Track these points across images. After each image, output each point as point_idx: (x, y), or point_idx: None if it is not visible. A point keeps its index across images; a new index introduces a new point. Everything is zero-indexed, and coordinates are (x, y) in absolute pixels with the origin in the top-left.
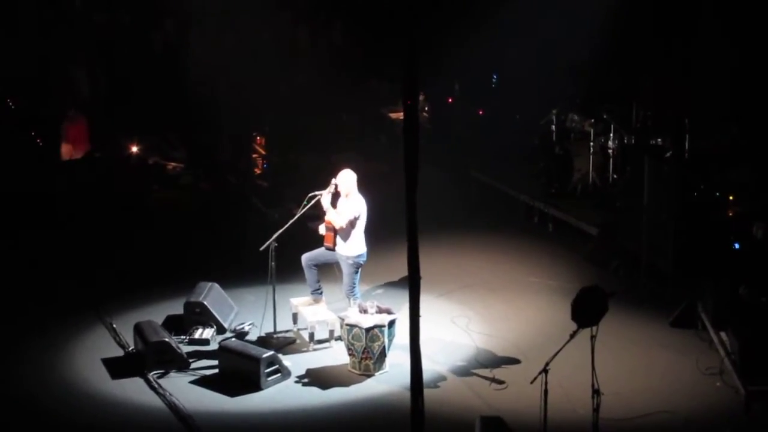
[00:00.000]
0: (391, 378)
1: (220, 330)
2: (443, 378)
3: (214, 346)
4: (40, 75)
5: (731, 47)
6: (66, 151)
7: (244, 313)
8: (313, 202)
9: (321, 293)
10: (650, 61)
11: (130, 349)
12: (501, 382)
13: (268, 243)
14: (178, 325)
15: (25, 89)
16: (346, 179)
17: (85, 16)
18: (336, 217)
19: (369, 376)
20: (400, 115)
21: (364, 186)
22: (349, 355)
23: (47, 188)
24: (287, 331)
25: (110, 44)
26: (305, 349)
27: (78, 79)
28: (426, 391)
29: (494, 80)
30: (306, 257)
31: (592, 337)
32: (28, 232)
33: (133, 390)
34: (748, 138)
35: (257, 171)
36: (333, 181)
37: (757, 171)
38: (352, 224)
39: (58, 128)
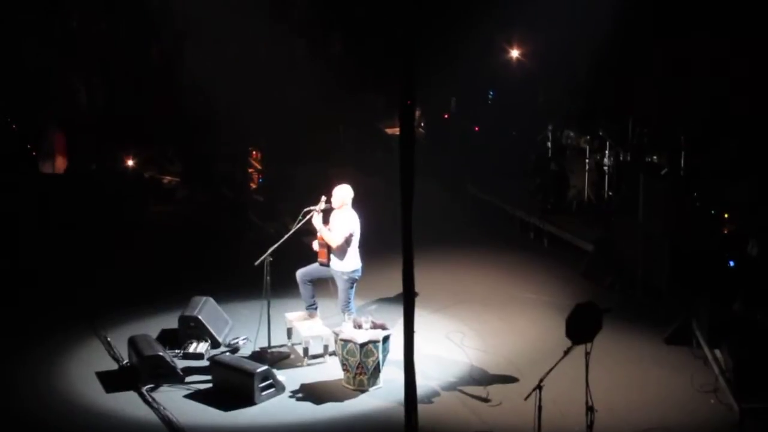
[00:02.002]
0: (385, 393)
1: (215, 344)
2: (437, 394)
3: (208, 360)
4: (35, 87)
5: (729, 64)
6: (48, 165)
7: (238, 328)
8: (308, 217)
9: (316, 308)
10: (647, 78)
11: (125, 362)
12: (494, 399)
13: (263, 257)
14: (172, 339)
15: (20, 101)
16: (341, 193)
17: (82, 29)
18: (329, 235)
19: (363, 391)
20: (397, 130)
21: (360, 201)
22: (344, 370)
23: (39, 200)
24: (282, 346)
25: (107, 57)
26: (299, 364)
27: (75, 92)
28: (420, 407)
29: (490, 96)
30: (300, 273)
31: (587, 354)
32: (22, 244)
33: (127, 403)
34: (743, 156)
35: (253, 185)
36: (323, 198)
37: (752, 188)
38: (346, 241)
39: (39, 143)
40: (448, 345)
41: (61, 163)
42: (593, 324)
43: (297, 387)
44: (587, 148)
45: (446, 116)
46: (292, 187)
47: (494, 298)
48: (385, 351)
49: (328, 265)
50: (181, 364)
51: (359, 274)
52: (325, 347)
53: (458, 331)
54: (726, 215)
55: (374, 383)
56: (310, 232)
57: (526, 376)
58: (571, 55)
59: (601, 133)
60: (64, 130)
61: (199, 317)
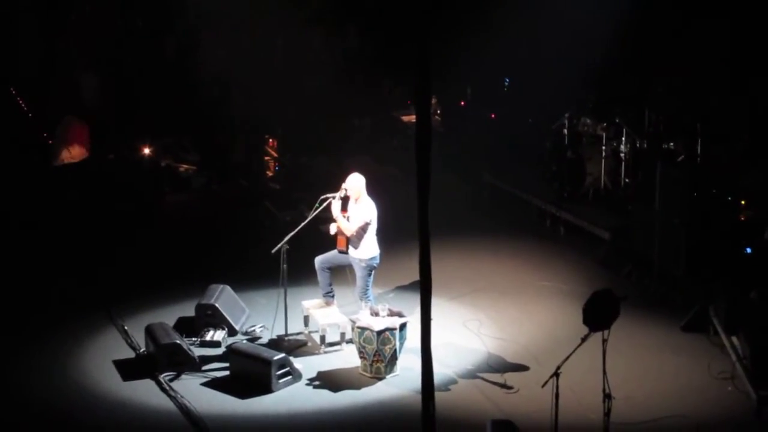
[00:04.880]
0: (402, 381)
1: (232, 332)
2: (454, 381)
3: (225, 348)
4: (47, 77)
5: (745, 50)
6: (68, 155)
7: (255, 316)
8: (324, 205)
9: (333, 296)
10: (663, 65)
11: (142, 351)
12: (512, 387)
13: (279, 245)
14: (189, 327)
15: (33, 91)
16: (355, 183)
17: (97, 19)
18: (346, 224)
19: (380, 379)
20: (413, 119)
21: (376, 189)
22: (360, 357)
23: (54, 189)
24: (298, 334)
25: (123, 47)
26: (316, 351)
27: (89, 82)
28: (437, 395)
29: (506, 84)
30: (319, 260)
31: (604, 341)
32: (39, 233)
33: (145, 392)
34: (760, 143)
35: (269, 174)
36: (344, 186)
37: None
38: (363, 229)
39: (51, 131)
40: (465, 333)
41: (77, 152)
42: (610, 311)
43: (314, 375)
44: (603, 135)
45: (462, 104)
46: (308, 176)
47: (511, 286)
48: (402, 339)
49: (346, 253)
50: (198, 352)
51: (377, 261)
52: (342, 335)
53: (475, 319)
54: (743, 202)
55: (391, 371)
56: (327, 219)
57: (543, 363)
58: (588, 41)
59: (617, 120)
60: (85, 119)
61: (216, 305)
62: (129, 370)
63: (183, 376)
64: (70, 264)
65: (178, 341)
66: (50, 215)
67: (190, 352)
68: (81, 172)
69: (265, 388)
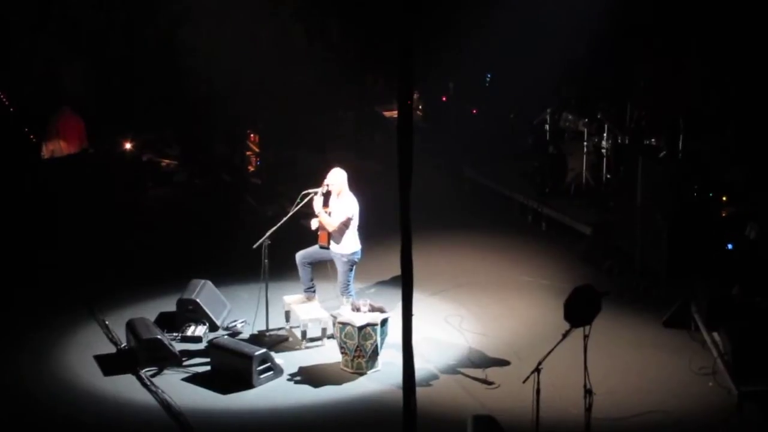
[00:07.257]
0: (383, 376)
1: (213, 327)
2: (436, 377)
3: (206, 343)
4: (30, 71)
5: (727, 48)
6: (58, 147)
7: (236, 311)
8: (306, 200)
9: (314, 291)
10: (645, 61)
11: (123, 346)
12: (493, 382)
13: (261, 240)
14: (170, 322)
15: (15, 86)
16: (337, 178)
17: (79, 13)
18: (328, 219)
19: (361, 374)
20: (395, 114)
21: (358, 184)
22: (342, 353)
23: (35, 185)
24: (280, 329)
25: (104, 41)
26: (298, 347)
27: (71, 76)
28: (418, 390)
29: (488, 79)
30: (300, 255)
31: (585, 337)
32: (20, 229)
33: (125, 387)
34: (742, 139)
35: (251, 168)
36: (325, 181)
37: (751, 171)
38: (345, 224)
39: (44, 124)
40: (446, 328)
41: (64, 146)
42: (592, 307)
43: (295, 370)
44: (585, 130)
45: (444, 99)
46: (290, 171)
47: (492, 281)
48: (384, 334)
49: (328, 248)
50: (179, 347)
51: (359, 256)
52: (323, 330)
53: (457, 315)
54: (724, 198)
55: (372, 366)
56: (308, 214)
57: (525, 359)
58: (569, 36)
59: (599, 116)
60: (71, 113)
61: (198, 300)
62: (110, 365)
63: (164, 372)
64: (51, 259)
65: (159, 336)
66: (32, 210)
67: (171, 348)
68: (63, 166)
69: (246, 384)
